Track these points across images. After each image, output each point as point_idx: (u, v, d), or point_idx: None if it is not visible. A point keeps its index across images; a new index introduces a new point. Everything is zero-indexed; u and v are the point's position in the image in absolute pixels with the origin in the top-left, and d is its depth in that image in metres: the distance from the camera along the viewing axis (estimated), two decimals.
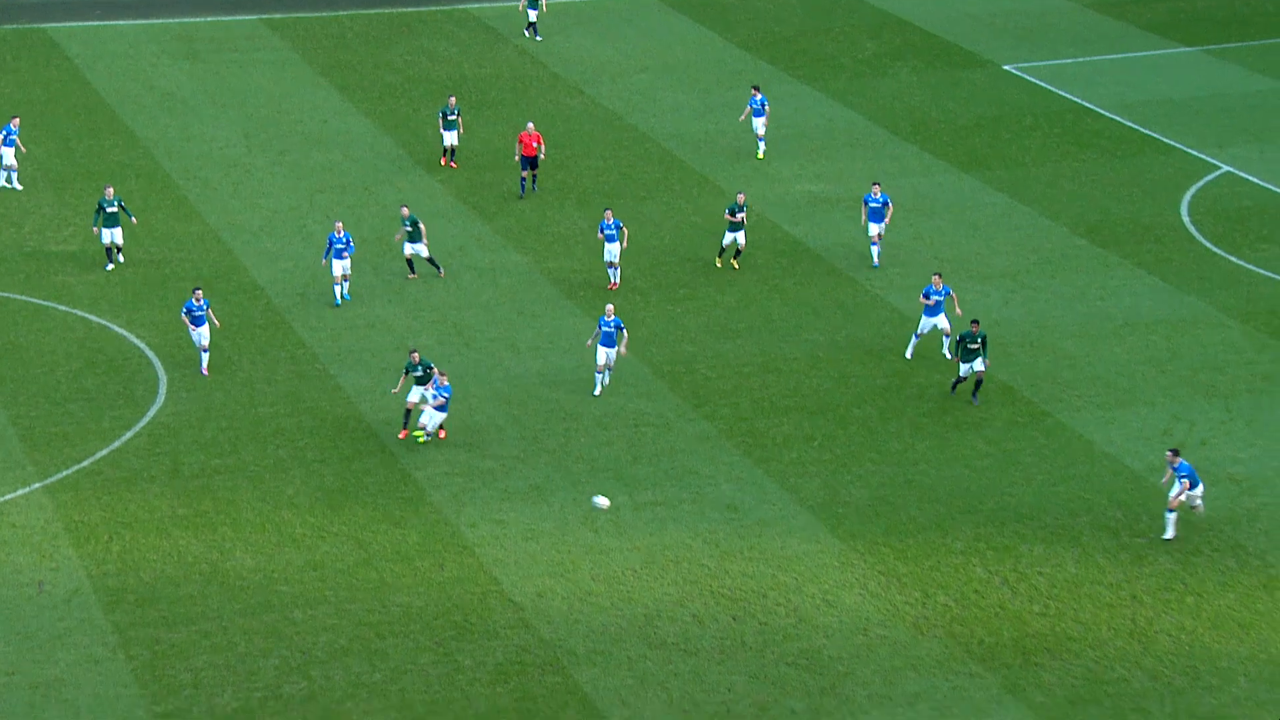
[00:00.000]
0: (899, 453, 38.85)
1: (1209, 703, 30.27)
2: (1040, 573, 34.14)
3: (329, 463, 38.29)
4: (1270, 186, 52.91)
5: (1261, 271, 47.28)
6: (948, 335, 42.39)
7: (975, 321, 40.23)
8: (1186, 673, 31.07)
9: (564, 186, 53.50)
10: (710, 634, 32.52)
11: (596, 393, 40.84)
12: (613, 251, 46.26)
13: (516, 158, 52.57)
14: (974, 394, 40.49)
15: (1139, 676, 31.05)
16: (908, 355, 42.52)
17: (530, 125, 52.89)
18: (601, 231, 46.17)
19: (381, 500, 36.91)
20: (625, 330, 41.13)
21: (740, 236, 47.35)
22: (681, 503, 36.96)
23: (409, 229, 46.55)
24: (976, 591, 33.66)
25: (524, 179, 52.53)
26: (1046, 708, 30.32)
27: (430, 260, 47.11)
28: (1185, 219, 50.79)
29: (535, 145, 52.28)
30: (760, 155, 55.26)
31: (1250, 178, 53.47)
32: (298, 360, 42.75)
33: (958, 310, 42.80)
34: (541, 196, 52.39)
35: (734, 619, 32.93)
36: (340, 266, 45.31)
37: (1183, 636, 32.09)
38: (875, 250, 47.56)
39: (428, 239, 47.44)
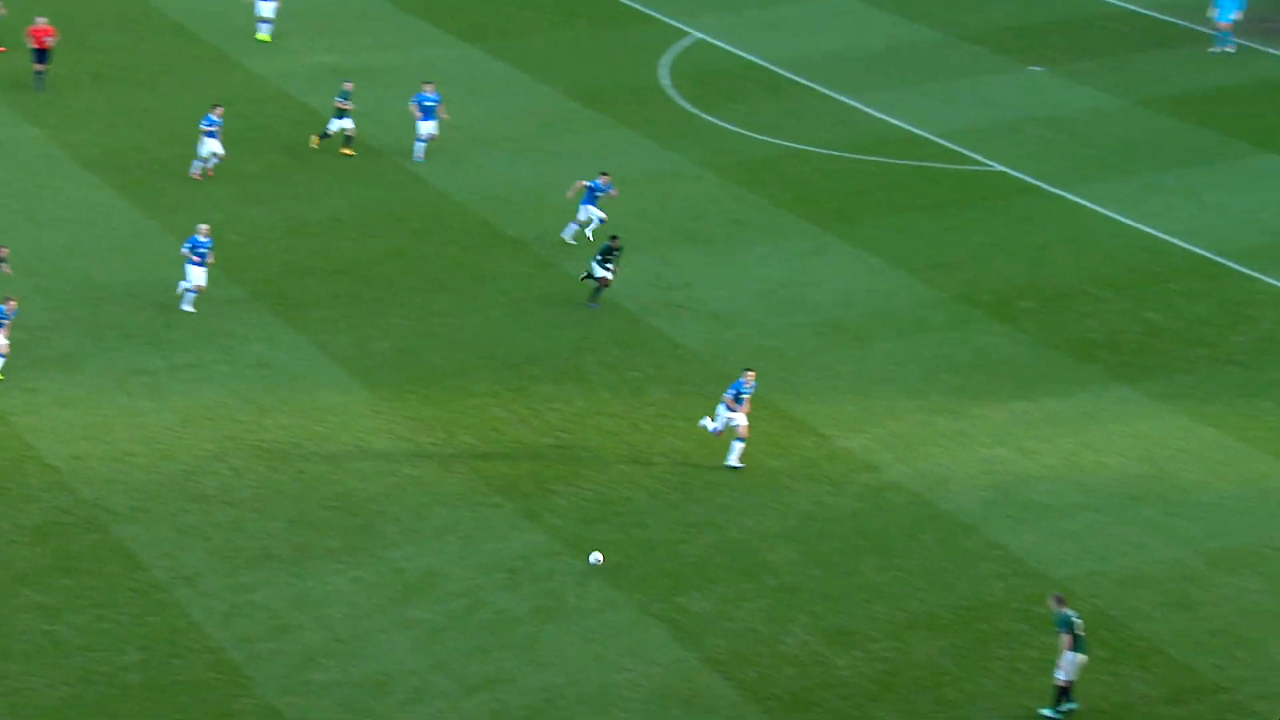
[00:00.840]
0: (421, 306, 38.98)
1: (699, 512, 31.68)
2: (552, 408, 34.93)
3: None
4: (737, 51, 54.67)
5: (732, 128, 48.98)
6: (589, 225, 41.36)
7: (615, 237, 39.05)
8: (680, 488, 32.41)
9: (78, 64, 51.14)
10: (249, 485, 32.18)
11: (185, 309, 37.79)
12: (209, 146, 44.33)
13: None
14: (593, 299, 38.83)
15: (641, 494, 32.22)
16: (565, 237, 41.39)
17: (40, 20, 49.89)
18: (203, 125, 44.03)
19: None
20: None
21: (348, 123, 46.00)
22: (215, 363, 36.28)
23: None
24: (495, 430, 34.23)
25: (38, 72, 49.60)
26: (561, 529, 31.20)
27: None
28: (665, 82, 52.08)
29: (46, 39, 49.45)
30: (263, 37, 53.59)
31: (719, 43, 55.11)
32: None
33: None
34: (55, 73, 49.91)
35: (271, 470, 32.66)
36: None
37: (677, 457, 33.40)
38: (421, 147, 45.95)
39: None
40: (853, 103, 50.72)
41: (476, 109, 49.48)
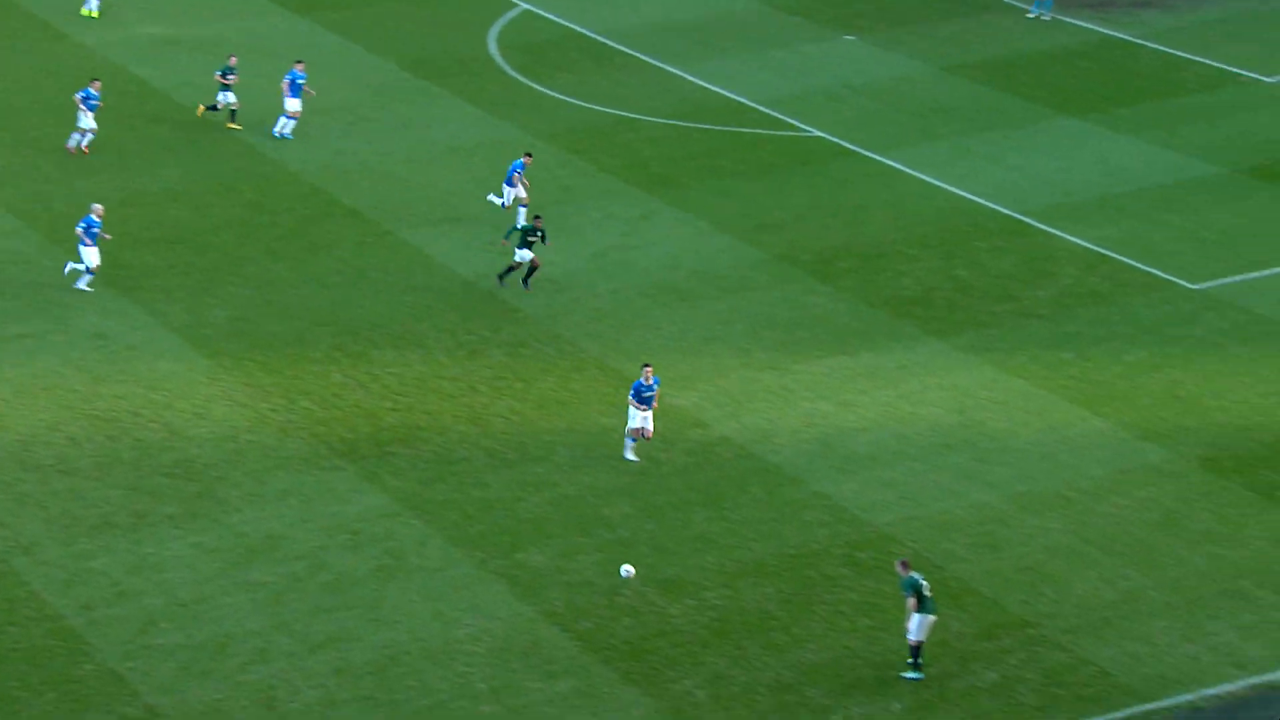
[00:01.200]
0: (257, 275, 38.46)
1: (536, 471, 31.71)
2: (390, 373, 34.70)
3: None
4: (563, 21, 54.52)
5: (560, 96, 48.89)
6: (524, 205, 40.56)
7: (539, 217, 38.36)
8: (517, 448, 32.40)
9: None
10: (86, 454, 31.56)
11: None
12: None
13: None
14: (526, 280, 37.85)
15: (479, 455, 32.16)
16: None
17: None
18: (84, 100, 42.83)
19: None
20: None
21: (231, 96, 45.06)
22: (50, 334, 35.48)
23: None
24: (335, 395, 33.93)
25: None
26: (401, 489, 31.04)
27: None
28: (493, 52, 51.81)
29: None
30: (89, 12, 52.26)
31: (545, 14, 54.91)
32: None
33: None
34: None
35: (109, 438, 32.06)
36: None
37: (514, 418, 33.38)
38: (287, 123, 44.76)
39: None
40: (676, 71, 50.87)
41: (309, 80, 48.82)
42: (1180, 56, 50.08)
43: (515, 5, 55.53)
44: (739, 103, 48.47)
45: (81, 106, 43.09)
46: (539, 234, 37.70)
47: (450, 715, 25.70)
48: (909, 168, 44.21)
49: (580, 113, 47.73)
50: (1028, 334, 35.81)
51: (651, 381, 31.81)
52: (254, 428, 32.65)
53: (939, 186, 43.10)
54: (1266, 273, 37.61)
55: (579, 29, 53.84)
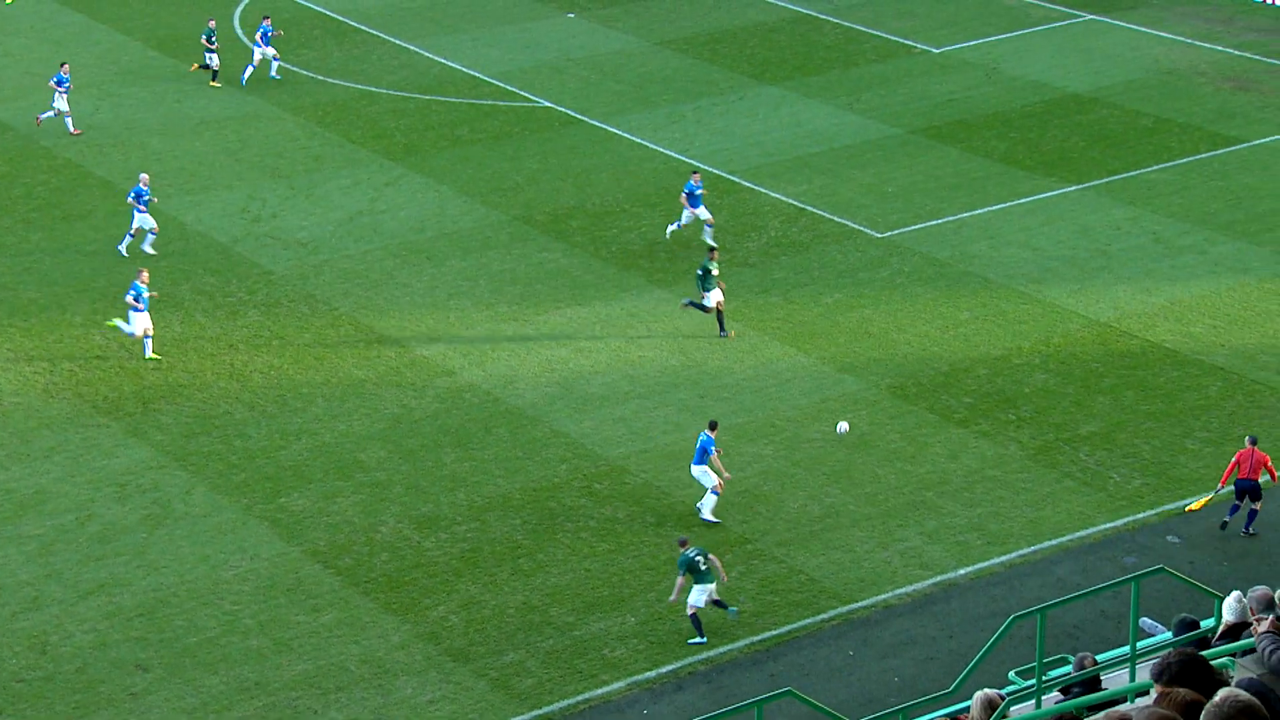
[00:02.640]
0: (13, 246, 36.41)
1: (295, 421, 30.72)
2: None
3: None
4: (302, 1, 52.86)
5: (304, 73, 47.39)
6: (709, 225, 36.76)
7: (713, 249, 34.25)
8: (277, 401, 31.33)
9: None
10: None
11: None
12: None
13: None
14: (722, 330, 32.83)
15: (240, 408, 31.00)
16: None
17: None
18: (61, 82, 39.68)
19: None
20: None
21: (215, 59, 44.45)
22: None
23: None
24: (98, 357, 32.31)
25: None
26: (165, 443, 29.75)
27: None
28: (238, 31, 49.91)
29: None
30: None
31: None
32: None
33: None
34: None
35: None
36: None
37: (272, 373, 32.26)
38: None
39: None
40: (413, 48, 49.74)
41: (58, 58, 46.37)
42: (860, 30, 50.83)
43: None
44: (473, 76, 47.61)
45: (56, 90, 41.23)
46: (711, 276, 33.14)
47: (220, 649, 24.74)
48: (630, 134, 43.99)
49: (325, 88, 46.32)
50: (740, 281, 35.96)
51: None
52: (19, 391, 30.90)
53: (657, 150, 42.99)
54: (940, 221, 38.43)
55: (317, 8, 52.24)
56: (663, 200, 40.04)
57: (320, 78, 46.92)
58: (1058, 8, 52.06)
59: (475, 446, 30.18)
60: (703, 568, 25.12)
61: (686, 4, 52.65)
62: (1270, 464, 26.94)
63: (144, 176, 36.60)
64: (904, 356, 32.71)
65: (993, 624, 24.64)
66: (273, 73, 45.99)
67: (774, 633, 25.33)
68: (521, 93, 46.74)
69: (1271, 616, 11.93)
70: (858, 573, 26.56)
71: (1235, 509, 27.24)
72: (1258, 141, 41.67)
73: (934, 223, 38.38)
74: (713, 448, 27.77)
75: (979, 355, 32.65)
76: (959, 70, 47.49)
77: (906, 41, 49.78)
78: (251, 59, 45.73)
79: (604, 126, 44.56)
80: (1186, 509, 27.70)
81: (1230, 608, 14.54)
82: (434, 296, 35.53)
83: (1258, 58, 47.26)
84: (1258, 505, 27.07)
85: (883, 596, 26.04)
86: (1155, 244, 36.61)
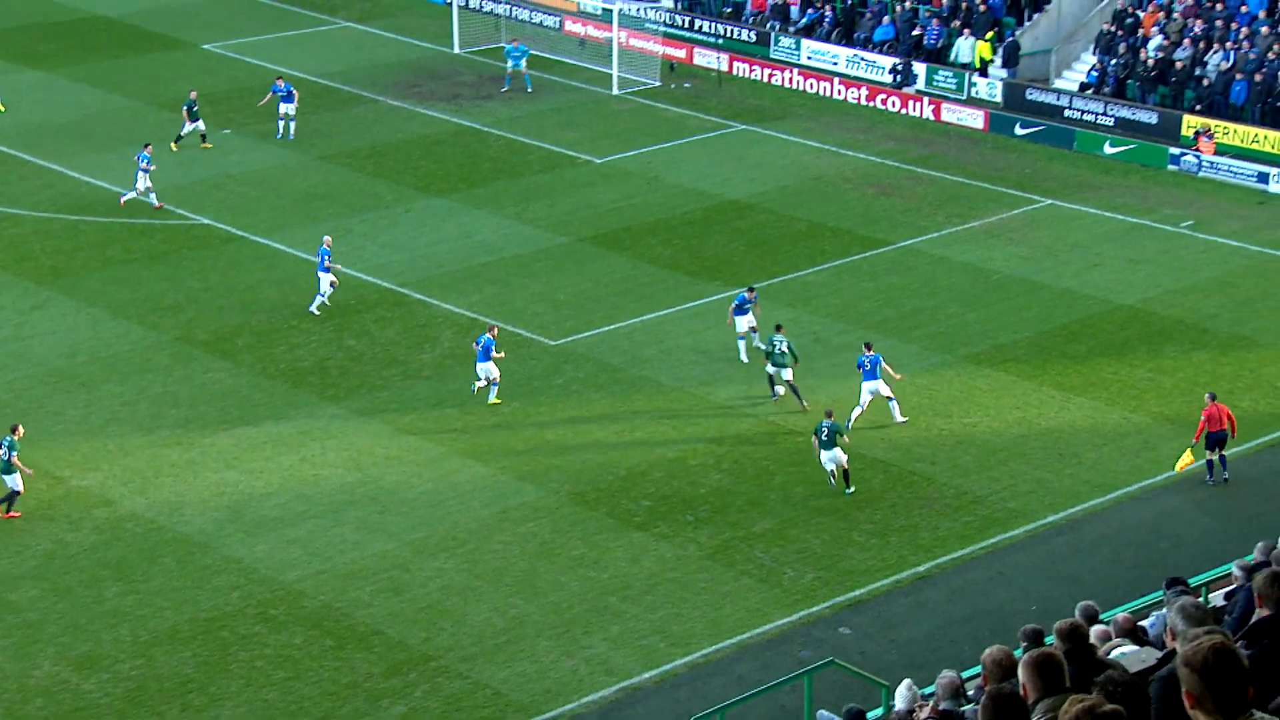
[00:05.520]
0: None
1: None
2: None
3: None
4: None
5: None
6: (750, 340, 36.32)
7: (779, 326, 34.65)
8: None
9: None
10: None
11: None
12: None
13: None
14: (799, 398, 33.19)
15: None
16: None
17: None
18: None
19: None
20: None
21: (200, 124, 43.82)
22: None
23: None
24: None
25: None
26: None
27: None
28: None
29: None
30: None
31: None
32: None
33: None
34: None
35: None
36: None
37: None
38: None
39: None
40: (57, 168, 48.17)
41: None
42: (524, 142, 51.74)
43: None
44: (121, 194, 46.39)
45: None
46: (783, 352, 34.23)
47: None
48: (294, 249, 43.50)
49: None
50: (415, 394, 35.81)
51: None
52: None
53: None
54: (612, 327, 39.20)
55: None
56: (333, 315, 39.66)
57: None
58: (712, 118, 54.16)
59: (139, 579, 29.00)
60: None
61: (346, 119, 52.63)
62: (1232, 415, 30.98)
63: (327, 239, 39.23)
64: (582, 463, 33.08)
65: None
66: None
67: None
68: (178, 210, 45.75)
69: (931, 704, 12.49)
70: (544, 683, 26.52)
71: (1211, 464, 31.27)
72: (902, 243, 44.05)
73: (606, 329, 39.11)
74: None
75: (655, 458, 33.29)
76: (621, 179, 48.79)
77: (569, 152, 50.90)
78: None
79: (267, 243, 43.97)
80: (1177, 467, 31.28)
81: (901, 695, 15.13)
82: (89, 424, 34.18)
83: (896, 164, 50.13)
84: (1224, 452, 31.17)
85: (569, 706, 26.03)
86: (816, 344, 38.15)
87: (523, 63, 56.14)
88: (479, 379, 35.13)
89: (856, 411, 33.56)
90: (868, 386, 33.61)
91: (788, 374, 34.64)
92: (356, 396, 35.74)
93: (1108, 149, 50.73)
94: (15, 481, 30.57)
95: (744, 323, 36.74)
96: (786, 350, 34.51)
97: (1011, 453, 33.42)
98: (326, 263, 38.92)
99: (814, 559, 29.83)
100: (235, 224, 45.02)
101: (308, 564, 29.60)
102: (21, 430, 31.28)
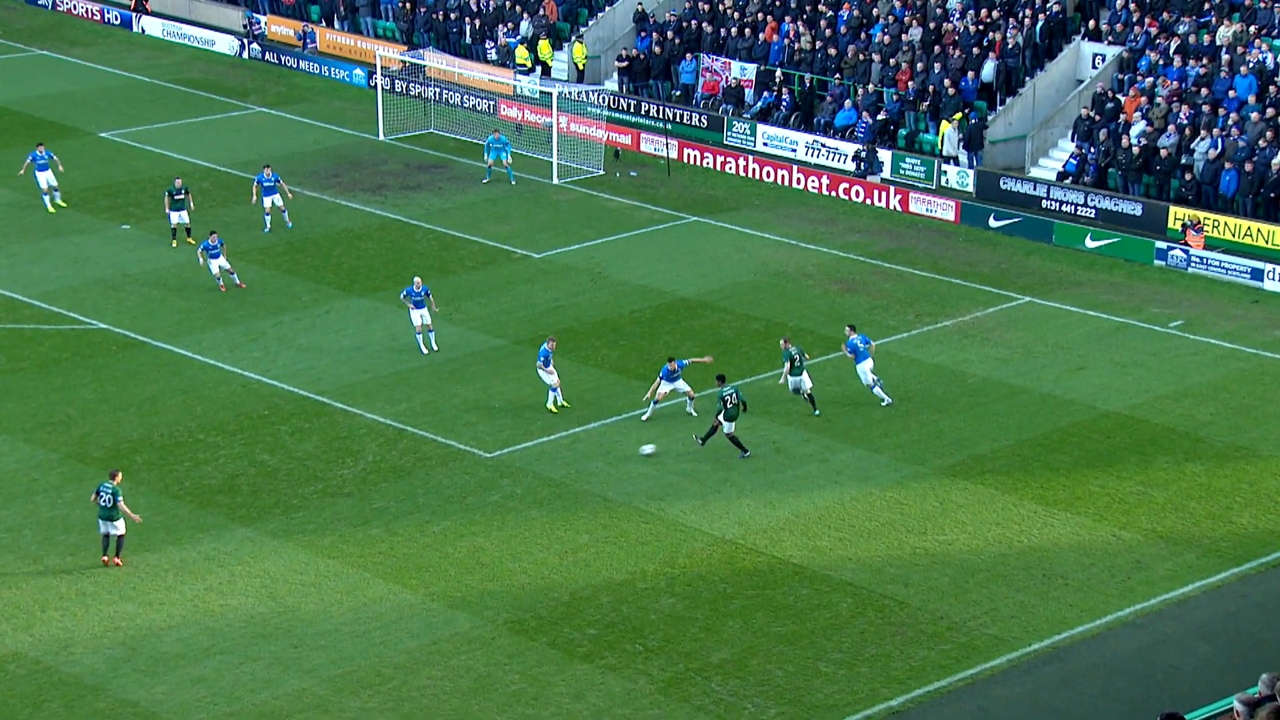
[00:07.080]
0: None
1: None
2: None
3: None
4: None
5: None
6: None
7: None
8: None
9: None
10: None
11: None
12: None
13: None
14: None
15: None
16: None
17: None
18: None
19: None
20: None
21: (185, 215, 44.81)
22: None
23: None
24: None
25: None
26: None
27: None
28: None
29: None
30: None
31: None
32: None
33: None
34: None
35: None
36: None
37: None
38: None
39: None
40: None
41: None
42: (456, 236, 52.03)
43: None
44: (10, 298, 46.22)
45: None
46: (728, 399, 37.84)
47: None
48: (201, 355, 43.40)
49: None
50: (336, 513, 35.64)
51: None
52: None
53: (234, 372, 42.51)
54: (553, 437, 39.24)
55: None
56: (244, 427, 39.51)
57: None
58: (661, 209, 54.69)
59: None
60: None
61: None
62: None
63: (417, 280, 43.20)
64: (521, 587, 32.95)
65: None
66: None
67: None
68: (70, 314, 45.64)
69: None
70: None
71: None
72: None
73: (546, 439, 39.15)
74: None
75: (601, 581, 33.20)
76: (563, 275, 49.09)
77: (505, 247, 51.21)
78: None
79: (170, 348, 43.88)
80: None
81: None
82: None
83: (861, 259, 50.71)
84: None
85: None
86: (776, 454, 38.31)
87: (505, 155, 56.64)
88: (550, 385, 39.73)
89: (877, 390, 39.90)
90: (863, 367, 39.73)
91: (729, 427, 37.81)
92: (270, 517, 35.51)
93: (1089, 242, 51.56)
94: (118, 527, 33.18)
95: (668, 388, 39.80)
96: (738, 403, 37.90)
97: (991, 573, 33.55)
98: (417, 302, 43.08)
99: (777, 693, 29.74)
100: (135, 328, 44.92)
101: (214, 706, 29.23)
102: (120, 476, 33.83)
